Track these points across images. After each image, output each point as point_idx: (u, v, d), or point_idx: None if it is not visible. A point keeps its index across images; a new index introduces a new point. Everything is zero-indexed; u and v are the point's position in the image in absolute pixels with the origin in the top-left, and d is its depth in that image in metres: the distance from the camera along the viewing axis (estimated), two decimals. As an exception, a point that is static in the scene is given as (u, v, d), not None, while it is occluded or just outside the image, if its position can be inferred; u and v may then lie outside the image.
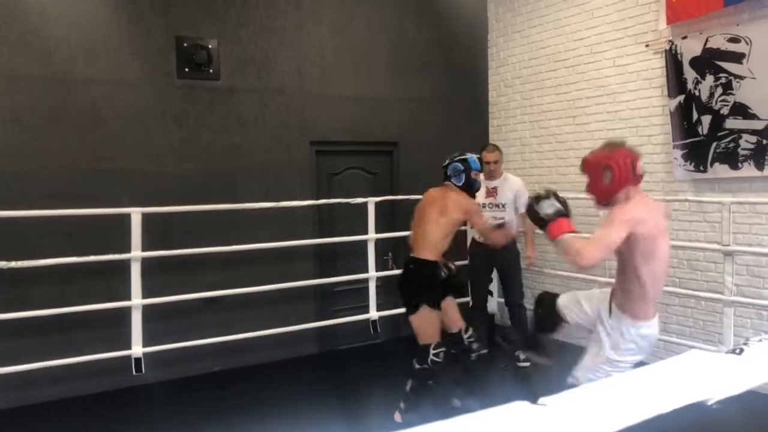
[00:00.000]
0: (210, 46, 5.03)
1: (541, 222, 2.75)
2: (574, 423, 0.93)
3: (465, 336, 4.06)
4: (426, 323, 3.90)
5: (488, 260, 5.20)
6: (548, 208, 2.75)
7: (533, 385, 3.73)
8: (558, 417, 0.92)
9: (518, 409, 0.93)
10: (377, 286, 5.43)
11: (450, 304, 4.10)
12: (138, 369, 4.41)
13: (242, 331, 4.89)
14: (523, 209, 5.09)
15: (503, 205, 5.12)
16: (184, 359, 4.78)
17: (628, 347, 2.72)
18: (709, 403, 1.07)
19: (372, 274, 5.37)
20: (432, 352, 3.85)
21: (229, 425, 4.02)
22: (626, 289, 2.71)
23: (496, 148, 5.22)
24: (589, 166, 2.80)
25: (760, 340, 1.45)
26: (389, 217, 5.73)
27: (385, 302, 5.56)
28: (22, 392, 4.31)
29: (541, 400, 0.94)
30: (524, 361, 5.10)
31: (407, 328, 5.78)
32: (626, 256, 2.65)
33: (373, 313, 5.37)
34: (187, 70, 4.96)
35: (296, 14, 5.46)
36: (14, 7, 4.38)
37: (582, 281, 5.57)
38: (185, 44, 4.95)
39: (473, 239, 5.32)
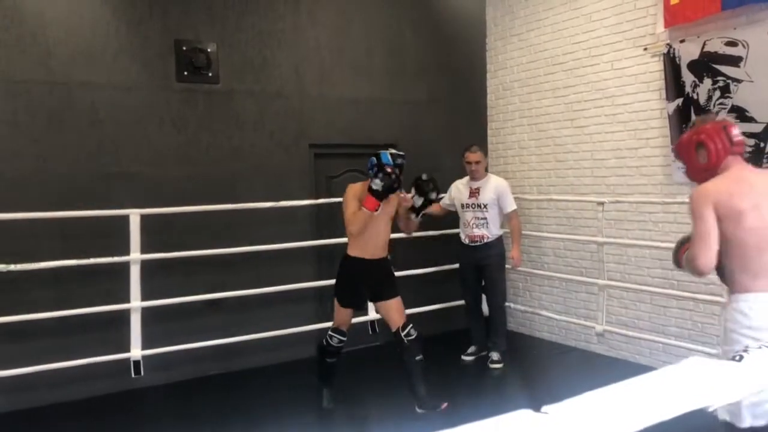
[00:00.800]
0: (209, 50, 5.04)
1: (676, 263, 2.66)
2: (577, 431, 0.94)
3: (403, 334, 4.07)
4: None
5: (474, 260, 5.25)
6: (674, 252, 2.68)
7: (537, 392, 3.71)
8: (560, 425, 0.93)
9: (521, 417, 0.93)
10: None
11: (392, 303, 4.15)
12: (137, 371, 4.43)
13: (242, 334, 4.90)
14: (507, 209, 5.21)
15: (485, 206, 5.16)
16: (184, 362, 4.79)
17: (731, 330, 2.38)
18: (710, 409, 1.09)
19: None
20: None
21: (229, 428, 4.02)
22: (722, 265, 2.44)
23: (479, 148, 5.26)
24: (680, 148, 2.53)
25: (760, 347, 1.46)
26: (388, 220, 5.73)
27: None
28: (21, 395, 4.30)
29: (544, 408, 0.95)
30: (497, 362, 5.12)
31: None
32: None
33: (373, 314, 5.38)
34: (186, 73, 4.97)
35: (294, 17, 5.47)
36: (12, 10, 4.38)
37: (578, 283, 5.59)
38: (184, 48, 4.95)
39: (459, 241, 5.35)
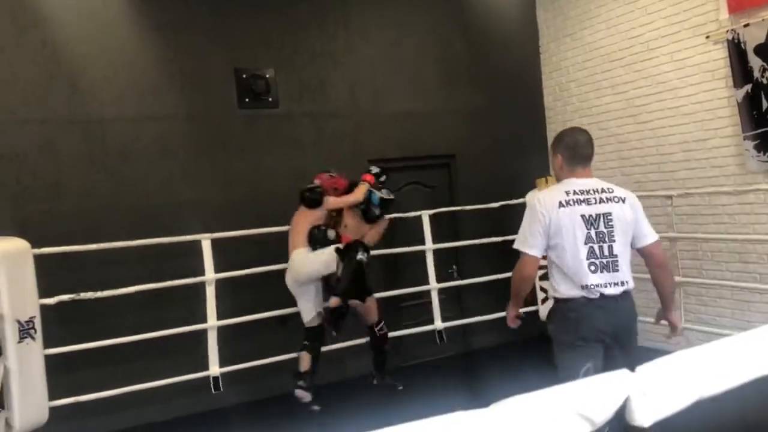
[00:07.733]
0: (267, 76, 5.22)
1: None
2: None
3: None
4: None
5: None
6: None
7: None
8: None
9: (620, 375, 0.97)
10: (441, 298, 5.43)
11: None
12: (216, 388, 4.56)
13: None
14: None
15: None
16: (261, 377, 4.86)
17: None
18: None
19: (433, 285, 5.38)
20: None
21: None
22: None
23: None
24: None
25: None
26: (451, 229, 5.74)
27: (450, 314, 5.54)
28: (109, 418, 4.50)
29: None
30: None
31: (476, 340, 5.70)
32: None
33: (438, 324, 5.36)
34: (247, 100, 5.17)
35: (346, 37, 5.60)
36: (85, 58, 4.71)
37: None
38: (244, 75, 5.15)
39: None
